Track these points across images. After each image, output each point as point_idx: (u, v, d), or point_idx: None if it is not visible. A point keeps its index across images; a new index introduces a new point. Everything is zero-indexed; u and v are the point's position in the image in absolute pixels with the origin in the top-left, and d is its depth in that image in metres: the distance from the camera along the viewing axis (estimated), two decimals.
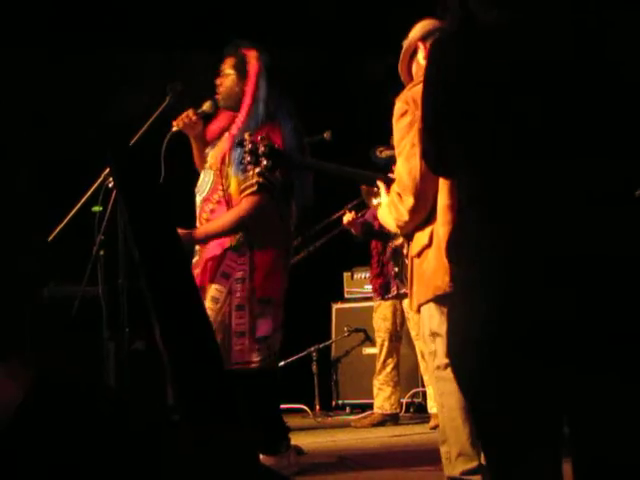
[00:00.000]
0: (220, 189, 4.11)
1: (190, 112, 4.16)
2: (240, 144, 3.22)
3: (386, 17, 6.10)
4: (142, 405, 3.01)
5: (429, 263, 2.68)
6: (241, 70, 4.12)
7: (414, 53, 2.98)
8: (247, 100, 4.08)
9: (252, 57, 4.14)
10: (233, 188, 4.06)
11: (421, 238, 2.74)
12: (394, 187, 2.74)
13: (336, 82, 7.07)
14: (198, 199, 4.20)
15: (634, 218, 1.60)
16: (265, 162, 3.04)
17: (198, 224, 4.17)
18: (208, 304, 3.97)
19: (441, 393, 2.86)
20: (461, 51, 1.71)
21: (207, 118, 4.28)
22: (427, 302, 2.77)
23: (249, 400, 3.94)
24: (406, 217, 2.73)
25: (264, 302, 4.01)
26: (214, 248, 4.05)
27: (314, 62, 6.76)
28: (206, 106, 4.21)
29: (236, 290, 3.98)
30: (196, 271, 4.07)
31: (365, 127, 6.45)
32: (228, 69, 4.17)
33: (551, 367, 1.57)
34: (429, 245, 2.71)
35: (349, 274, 7.50)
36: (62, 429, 2.32)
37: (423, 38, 2.94)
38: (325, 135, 4.41)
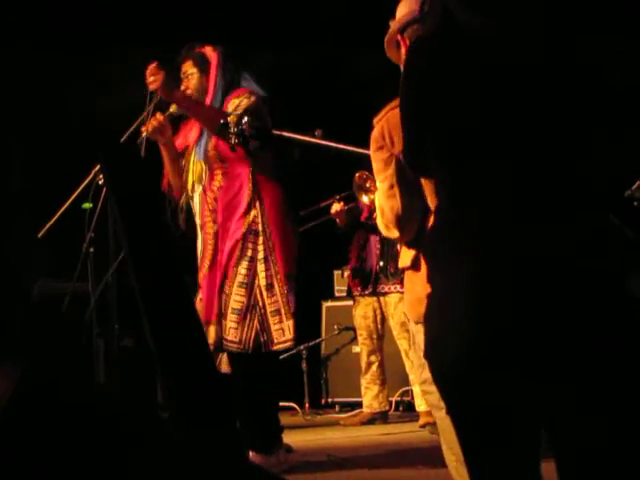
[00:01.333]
0: (219, 172, 4.14)
1: (158, 115, 4.18)
2: (225, 126, 3.23)
3: (378, 12, 6.10)
4: (130, 402, 3.01)
5: (415, 287, 2.69)
6: (202, 66, 4.23)
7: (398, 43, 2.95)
8: (211, 89, 4.19)
9: (209, 51, 4.25)
10: (195, 177, 4.21)
11: (406, 256, 2.76)
12: (382, 220, 2.76)
13: (328, 80, 7.07)
14: (197, 195, 4.22)
15: (602, 224, 1.62)
16: (254, 143, 3.05)
17: (200, 220, 4.21)
18: (236, 290, 4.03)
19: (430, 405, 2.87)
20: (438, 55, 1.71)
21: (174, 122, 4.31)
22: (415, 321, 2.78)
23: (254, 386, 4.03)
24: (397, 238, 2.77)
25: (289, 278, 4.12)
26: (234, 234, 4.09)
27: (306, 60, 6.75)
28: (173, 107, 4.25)
29: (261, 270, 4.06)
30: (206, 265, 4.16)
31: (358, 125, 6.44)
32: (190, 69, 4.26)
33: (525, 373, 1.59)
34: (411, 267, 2.72)
35: (339, 272, 7.50)
36: (49, 427, 2.32)
37: (401, 31, 2.89)
38: (316, 133, 4.41)
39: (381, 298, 6.08)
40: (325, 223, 6.28)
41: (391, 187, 2.65)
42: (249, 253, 4.07)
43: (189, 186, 4.25)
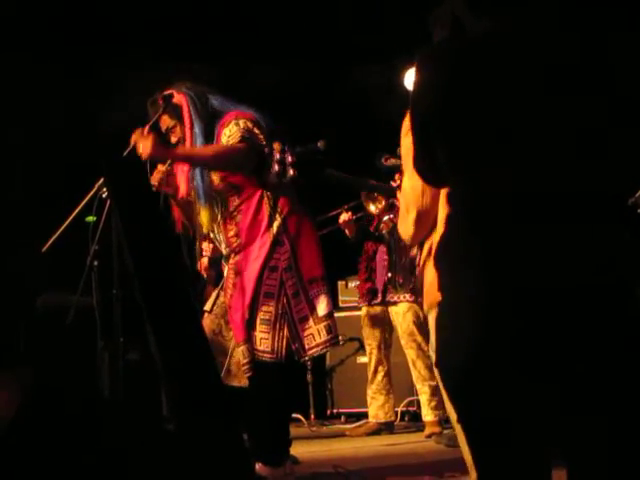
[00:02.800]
0: (235, 198, 4.14)
1: (160, 167, 4.20)
2: (269, 154, 3.23)
3: (373, 26, 6.13)
4: (135, 415, 3.01)
5: (428, 274, 2.70)
6: (178, 114, 4.19)
7: None
8: (187, 134, 4.16)
9: (175, 97, 4.20)
10: (206, 218, 4.16)
11: (425, 248, 2.77)
12: (402, 201, 2.76)
13: (329, 92, 7.08)
14: (216, 226, 4.23)
15: (612, 237, 1.62)
16: (292, 172, 3.08)
17: (226, 249, 4.23)
18: (264, 301, 4.05)
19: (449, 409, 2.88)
20: (448, 63, 1.71)
21: None
22: (429, 310, 2.79)
23: (274, 397, 4.03)
24: (412, 230, 2.76)
25: (312, 282, 4.12)
26: (261, 250, 4.10)
27: (306, 72, 6.77)
28: None
29: (287, 279, 4.07)
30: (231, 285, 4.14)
31: (359, 135, 6.46)
32: (170, 123, 4.23)
33: (533, 380, 1.59)
34: (429, 255, 2.73)
35: (343, 283, 7.50)
36: (54, 439, 2.32)
37: None
38: (319, 144, 4.42)
39: (389, 308, 6.07)
40: (329, 233, 6.27)
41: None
42: (274, 263, 4.08)
43: (206, 226, 4.25)
